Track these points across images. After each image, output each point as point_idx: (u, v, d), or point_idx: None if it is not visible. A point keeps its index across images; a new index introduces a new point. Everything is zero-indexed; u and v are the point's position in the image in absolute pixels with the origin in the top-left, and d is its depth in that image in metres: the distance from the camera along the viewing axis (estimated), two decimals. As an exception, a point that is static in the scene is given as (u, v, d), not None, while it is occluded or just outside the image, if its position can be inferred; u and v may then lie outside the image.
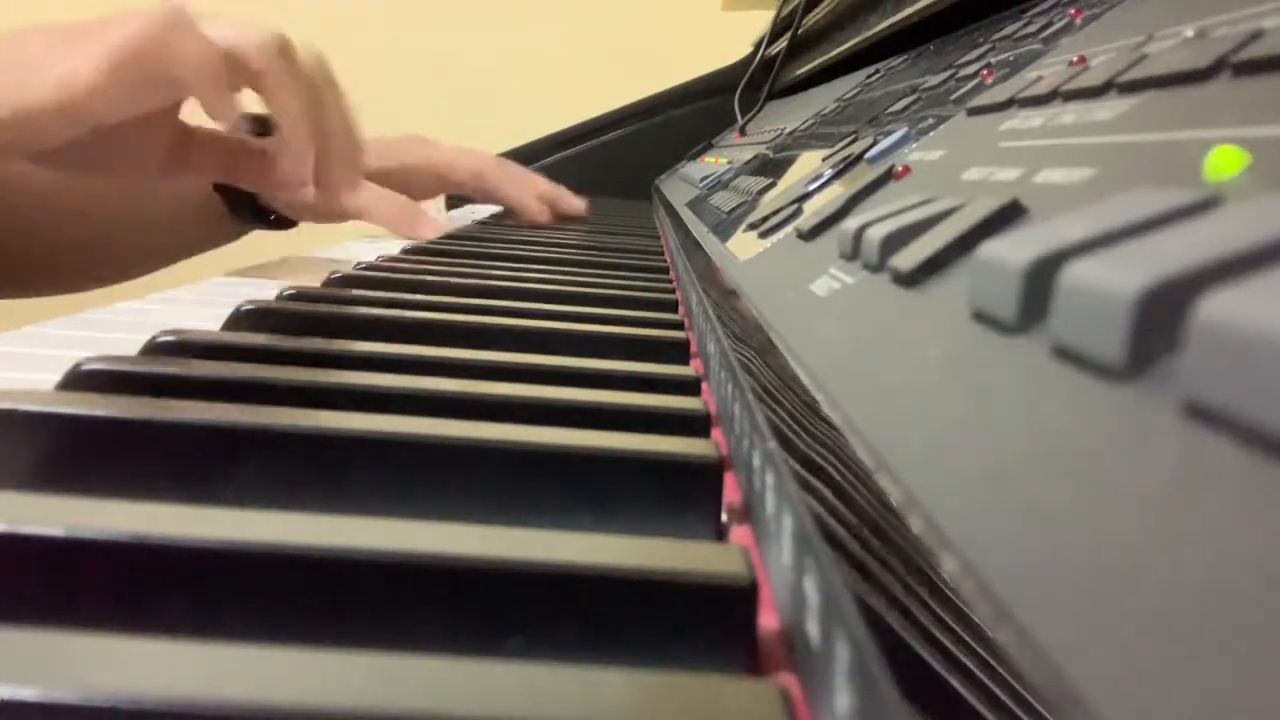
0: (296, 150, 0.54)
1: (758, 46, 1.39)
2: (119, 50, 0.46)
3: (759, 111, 1.27)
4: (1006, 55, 0.41)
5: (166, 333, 0.35)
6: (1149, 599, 0.09)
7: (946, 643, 0.11)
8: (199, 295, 0.53)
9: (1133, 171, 0.19)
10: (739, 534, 0.24)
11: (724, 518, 0.25)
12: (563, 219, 1.00)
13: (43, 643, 0.15)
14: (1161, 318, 0.12)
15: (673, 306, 0.52)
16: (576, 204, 1.03)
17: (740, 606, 0.18)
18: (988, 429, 0.14)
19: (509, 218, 1.00)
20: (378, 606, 0.18)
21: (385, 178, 0.80)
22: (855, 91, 0.76)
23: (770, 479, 0.20)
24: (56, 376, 0.29)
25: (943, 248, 0.21)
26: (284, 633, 0.18)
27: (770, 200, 0.50)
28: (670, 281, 0.62)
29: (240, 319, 0.40)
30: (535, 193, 1.00)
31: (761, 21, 1.39)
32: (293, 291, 0.46)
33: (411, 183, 0.90)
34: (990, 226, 0.20)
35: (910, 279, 0.21)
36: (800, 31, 1.17)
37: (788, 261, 0.34)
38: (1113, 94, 0.24)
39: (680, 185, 1.07)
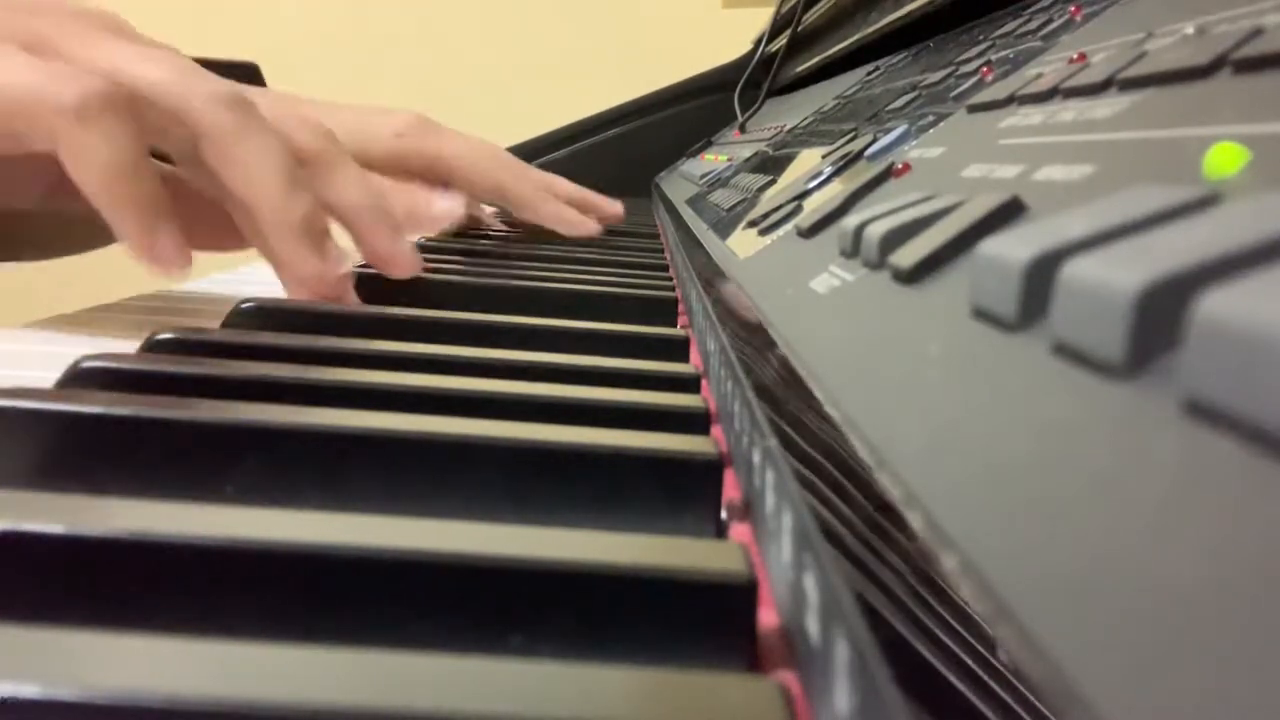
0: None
1: (758, 44, 1.39)
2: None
3: (759, 109, 1.27)
4: (1007, 52, 0.41)
5: (166, 330, 0.34)
6: (1149, 597, 0.09)
7: (946, 640, 0.11)
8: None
9: (1132, 168, 0.19)
10: (739, 531, 0.24)
11: (724, 515, 0.25)
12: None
13: (43, 641, 0.15)
14: (1161, 315, 0.12)
15: (672, 304, 0.52)
16: (609, 208, 0.87)
17: (740, 604, 0.18)
18: (987, 426, 0.14)
19: (509, 215, 0.99)
20: (378, 604, 0.18)
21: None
22: (855, 89, 0.76)
23: (770, 476, 0.20)
24: (56, 374, 0.29)
25: (942, 245, 0.21)
26: (284, 631, 0.18)
27: (770, 197, 0.50)
28: (670, 278, 0.62)
29: (240, 316, 0.40)
30: (564, 198, 0.83)
31: (761, 18, 1.39)
32: None
33: (403, 175, 0.70)
34: (990, 224, 0.20)
35: (910, 276, 0.21)
36: (800, 29, 1.17)
37: (787, 259, 0.34)
38: (1113, 91, 0.24)
39: (680, 182, 1.07)
